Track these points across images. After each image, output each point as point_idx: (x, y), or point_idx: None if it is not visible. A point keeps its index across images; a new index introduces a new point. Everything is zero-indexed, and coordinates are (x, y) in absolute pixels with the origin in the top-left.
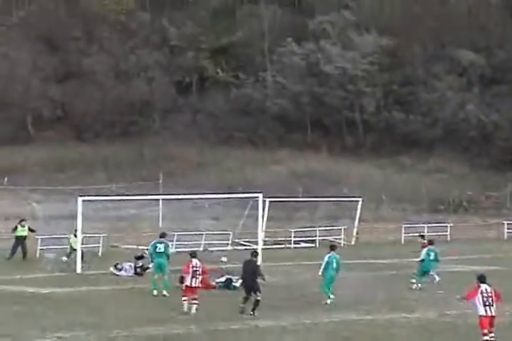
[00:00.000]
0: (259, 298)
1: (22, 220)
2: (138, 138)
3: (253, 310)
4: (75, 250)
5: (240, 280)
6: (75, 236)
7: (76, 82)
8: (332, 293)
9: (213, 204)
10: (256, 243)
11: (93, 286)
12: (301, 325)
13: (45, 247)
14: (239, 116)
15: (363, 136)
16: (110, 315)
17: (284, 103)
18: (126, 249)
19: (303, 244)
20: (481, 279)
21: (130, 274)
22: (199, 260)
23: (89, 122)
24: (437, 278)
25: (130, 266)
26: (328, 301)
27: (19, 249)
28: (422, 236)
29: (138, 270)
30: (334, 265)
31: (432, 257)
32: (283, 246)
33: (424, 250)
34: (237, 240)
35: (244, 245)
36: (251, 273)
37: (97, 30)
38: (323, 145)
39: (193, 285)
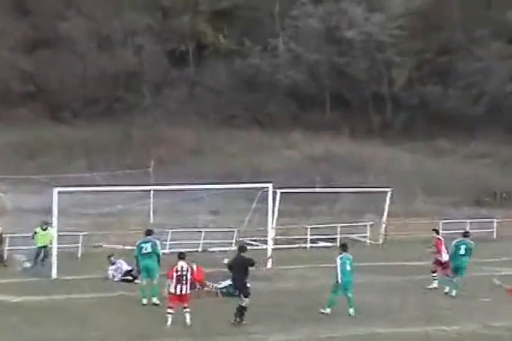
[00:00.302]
0: (244, 304)
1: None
2: (124, 117)
3: (240, 318)
4: (43, 248)
5: (229, 281)
6: (44, 229)
7: (50, 51)
8: (351, 305)
9: (213, 196)
10: (265, 242)
11: (72, 294)
12: (318, 340)
13: (14, 247)
14: (244, 91)
15: (392, 114)
16: (92, 328)
17: (298, 75)
18: (111, 249)
19: (321, 243)
20: None
21: (119, 275)
22: (187, 263)
23: (66, 99)
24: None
25: (122, 264)
26: (328, 310)
27: None
28: (436, 231)
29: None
30: (348, 267)
31: (461, 251)
32: (297, 245)
33: (454, 242)
34: (242, 239)
35: (251, 245)
36: (241, 272)
37: None
38: (345, 125)
39: (179, 292)
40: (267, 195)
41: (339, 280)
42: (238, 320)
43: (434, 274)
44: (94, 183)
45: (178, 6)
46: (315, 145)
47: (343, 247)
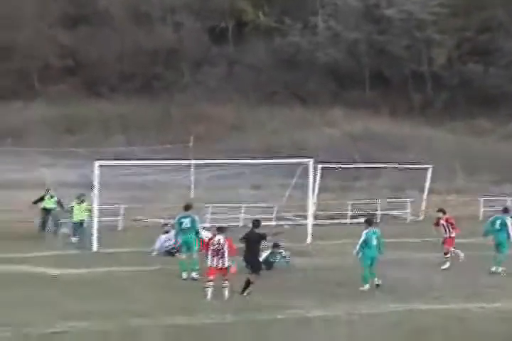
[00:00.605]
0: (252, 280)
1: (48, 190)
2: (163, 94)
3: (243, 290)
4: (80, 222)
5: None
6: (82, 202)
7: (89, 26)
8: (377, 278)
9: (254, 172)
10: (305, 217)
11: (112, 267)
12: (358, 316)
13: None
14: (284, 69)
15: (432, 93)
16: (131, 301)
17: (337, 53)
18: (151, 222)
19: (361, 220)
20: None
21: (168, 245)
22: (225, 237)
23: (104, 74)
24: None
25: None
26: (366, 287)
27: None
28: (443, 211)
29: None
30: (374, 242)
31: (497, 226)
32: (337, 221)
33: (491, 218)
34: (282, 214)
35: (291, 220)
36: (254, 247)
37: None
38: (384, 104)
39: (216, 265)
40: (308, 171)
41: (354, 252)
42: (243, 292)
43: (447, 255)
44: (134, 158)
45: None
46: (355, 123)
47: (369, 222)
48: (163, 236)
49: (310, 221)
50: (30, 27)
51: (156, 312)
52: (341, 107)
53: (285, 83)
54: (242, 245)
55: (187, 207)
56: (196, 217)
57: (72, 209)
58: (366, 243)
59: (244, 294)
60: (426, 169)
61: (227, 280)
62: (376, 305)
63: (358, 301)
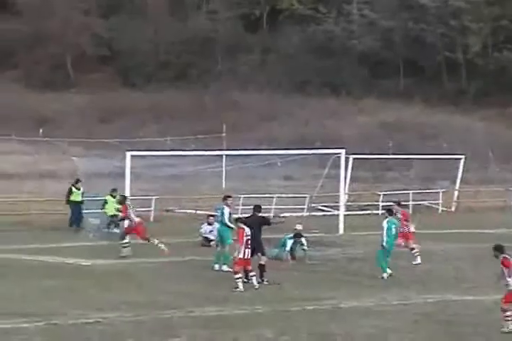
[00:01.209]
0: (263, 262)
1: (78, 181)
2: (197, 83)
3: (261, 276)
4: (114, 216)
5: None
6: (114, 196)
7: (124, 15)
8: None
9: (286, 162)
10: (337, 208)
11: (143, 258)
12: (389, 306)
13: (86, 211)
14: (318, 57)
15: (467, 81)
16: (162, 292)
17: (371, 42)
18: (183, 213)
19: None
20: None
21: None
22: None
23: (139, 63)
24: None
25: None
26: (385, 275)
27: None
28: (399, 204)
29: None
30: (393, 231)
31: None
32: (369, 212)
33: None
34: (314, 204)
35: (323, 210)
36: (257, 231)
37: None
38: (418, 92)
39: (246, 257)
40: (340, 161)
41: (384, 244)
42: (260, 280)
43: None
44: (166, 148)
45: None
46: (388, 112)
47: (389, 212)
48: (207, 228)
49: (342, 211)
50: (65, 16)
51: (186, 303)
52: (374, 96)
53: (318, 72)
54: None
55: (224, 198)
56: (225, 209)
57: (106, 202)
58: (387, 232)
59: (265, 280)
60: (458, 159)
61: (252, 270)
62: (408, 296)
63: (390, 292)
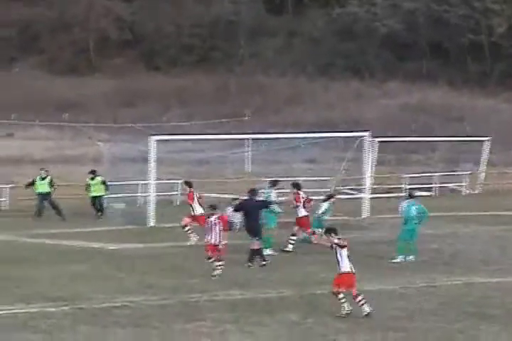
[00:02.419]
0: (256, 248)
1: (93, 171)
2: (220, 66)
3: (249, 260)
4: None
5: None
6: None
7: None
8: (414, 251)
9: (310, 145)
10: (361, 191)
11: (168, 242)
12: (414, 289)
13: (112, 195)
14: (341, 40)
15: (491, 63)
16: (189, 276)
17: (395, 24)
18: (209, 197)
19: (418, 193)
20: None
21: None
22: None
23: (162, 47)
24: None
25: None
26: (398, 260)
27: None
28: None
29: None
30: (414, 213)
31: None
32: (394, 194)
33: None
34: (338, 188)
35: (347, 194)
36: (255, 215)
37: None
38: (442, 75)
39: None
40: (364, 144)
41: (404, 227)
42: (250, 264)
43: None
44: (190, 132)
45: None
46: (412, 94)
47: (410, 194)
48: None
49: (367, 195)
50: (88, 0)
51: (212, 287)
52: (398, 78)
53: (342, 54)
54: None
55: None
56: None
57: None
58: (406, 215)
59: (250, 264)
60: (483, 142)
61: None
62: (433, 279)
63: (415, 275)
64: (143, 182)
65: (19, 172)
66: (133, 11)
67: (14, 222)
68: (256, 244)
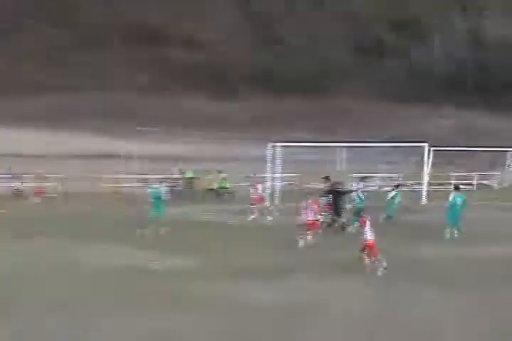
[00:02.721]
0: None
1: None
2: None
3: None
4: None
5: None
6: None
7: None
8: (458, 229)
9: (389, 151)
10: (421, 184)
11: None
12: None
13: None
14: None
15: None
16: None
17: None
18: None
19: (462, 187)
20: None
21: None
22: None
23: None
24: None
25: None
26: (448, 235)
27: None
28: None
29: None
30: (459, 201)
31: None
32: (444, 187)
33: None
34: (404, 182)
35: (411, 186)
36: (336, 200)
37: None
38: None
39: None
40: (423, 152)
41: (450, 213)
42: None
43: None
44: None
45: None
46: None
47: (456, 187)
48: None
49: (425, 187)
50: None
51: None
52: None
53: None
54: None
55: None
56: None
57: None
58: (451, 204)
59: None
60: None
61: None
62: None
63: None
64: None
65: None
66: None
67: None
68: (340, 221)
